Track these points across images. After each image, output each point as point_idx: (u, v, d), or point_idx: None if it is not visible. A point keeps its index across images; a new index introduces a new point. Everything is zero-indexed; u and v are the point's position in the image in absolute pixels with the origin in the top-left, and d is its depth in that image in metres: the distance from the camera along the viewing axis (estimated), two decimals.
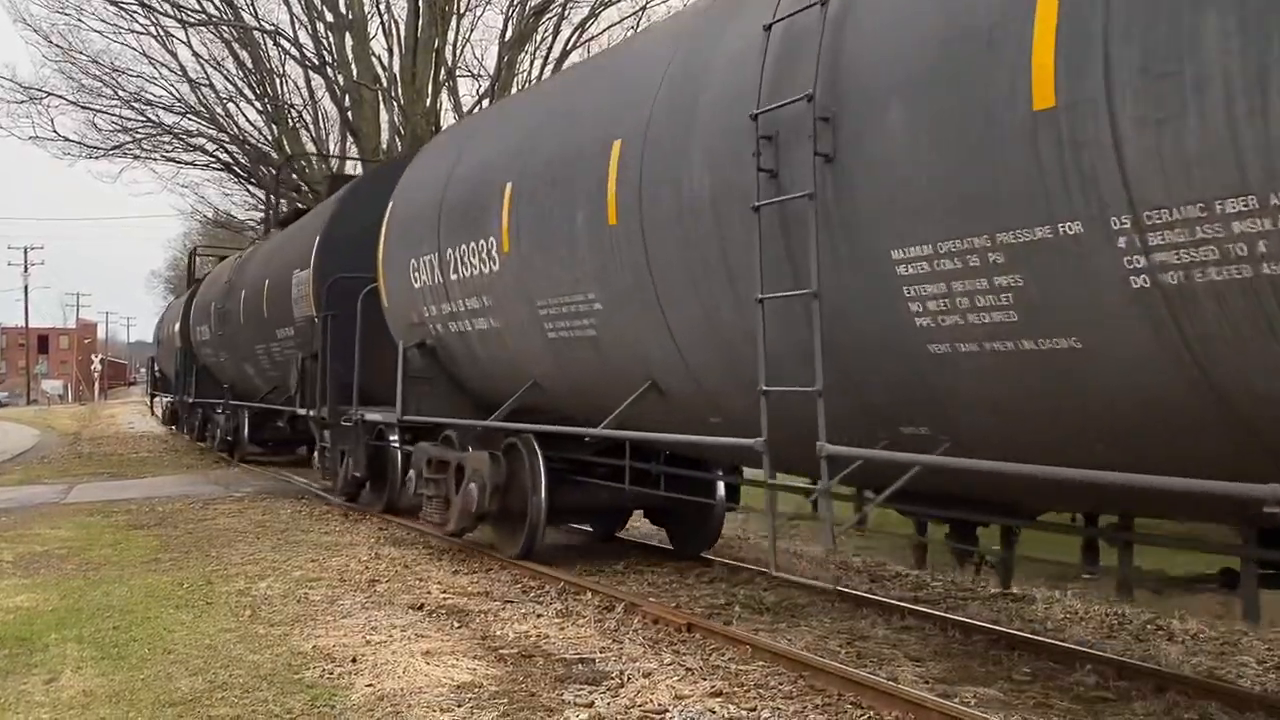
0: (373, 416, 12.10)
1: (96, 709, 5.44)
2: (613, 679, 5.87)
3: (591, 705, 5.40)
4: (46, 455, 25.23)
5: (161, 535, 11.51)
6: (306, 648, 6.59)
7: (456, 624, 7.25)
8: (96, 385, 75.30)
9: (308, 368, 14.08)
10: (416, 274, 10.26)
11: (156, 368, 37.68)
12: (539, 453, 9.01)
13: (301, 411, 14.44)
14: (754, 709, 5.30)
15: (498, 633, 7.00)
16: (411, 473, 10.67)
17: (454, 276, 9.45)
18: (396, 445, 12.08)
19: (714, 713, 5.22)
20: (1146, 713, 5.46)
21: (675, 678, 5.86)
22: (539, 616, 7.45)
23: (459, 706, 5.40)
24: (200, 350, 23.66)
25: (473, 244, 9.03)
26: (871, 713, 5.25)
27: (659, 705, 5.35)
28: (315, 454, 14.89)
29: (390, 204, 11.41)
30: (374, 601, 7.97)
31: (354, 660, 6.26)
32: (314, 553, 10.19)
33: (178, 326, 26.75)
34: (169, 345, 30.25)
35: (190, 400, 25.16)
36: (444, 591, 8.35)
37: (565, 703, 5.45)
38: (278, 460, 21.27)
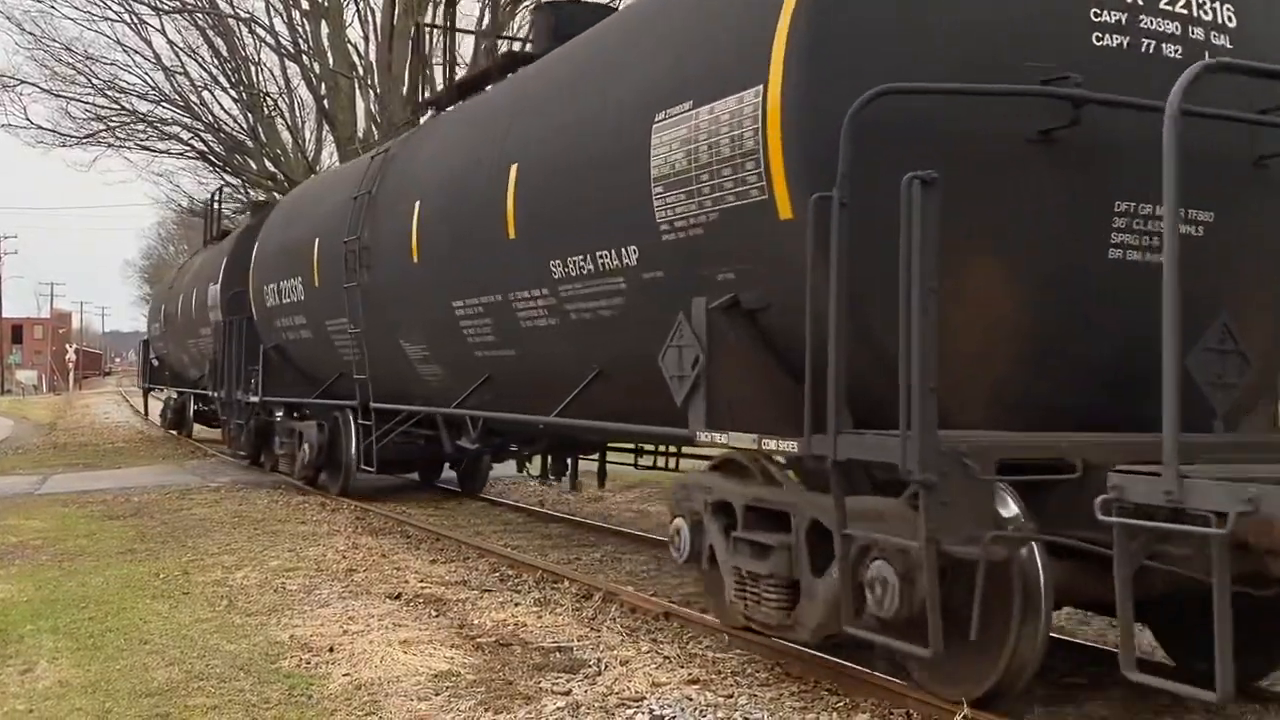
0: None
1: (72, 699, 5.42)
2: (590, 667, 5.89)
3: (569, 693, 5.41)
4: (21, 445, 25.01)
5: (137, 525, 11.45)
6: (284, 637, 6.58)
7: (434, 613, 7.26)
8: (71, 375, 74.65)
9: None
10: None
11: (152, 355, 29.12)
12: None
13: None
14: (731, 696, 5.33)
15: (475, 621, 7.01)
16: None
17: None
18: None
19: (691, 700, 5.25)
20: (1122, 698, 5.51)
21: (652, 665, 5.88)
22: (516, 605, 7.47)
23: (436, 695, 5.41)
24: (275, 321, 15.05)
25: None
26: (847, 699, 5.29)
27: (636, 693, 5.38)
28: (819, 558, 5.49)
29: None
30: (351, 591, 7.96)
31: (331, 650, 6.26)
32: (291, 542, 10.16)
33: (215, 291, 18.52)
34: (184, 322, 22.31)
35: (253, 400, 16.20)
36: (421, 581, 8.35)
37: (542, 690, 5.47)
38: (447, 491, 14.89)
